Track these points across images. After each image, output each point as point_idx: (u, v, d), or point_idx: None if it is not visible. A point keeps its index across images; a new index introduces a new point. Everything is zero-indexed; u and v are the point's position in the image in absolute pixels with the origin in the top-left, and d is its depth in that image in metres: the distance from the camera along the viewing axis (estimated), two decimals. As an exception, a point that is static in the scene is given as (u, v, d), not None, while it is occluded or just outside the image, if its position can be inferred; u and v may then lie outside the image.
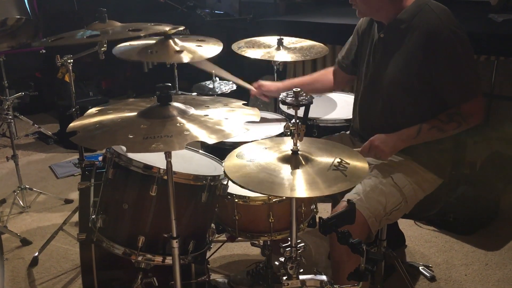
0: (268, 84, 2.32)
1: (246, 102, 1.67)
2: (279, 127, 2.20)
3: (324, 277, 1.53)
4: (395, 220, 1.97)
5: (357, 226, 1.57)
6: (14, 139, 3.10)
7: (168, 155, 1.39)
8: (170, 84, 1.47)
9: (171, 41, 2.21)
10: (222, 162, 1.68)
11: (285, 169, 1.38)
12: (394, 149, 1.83)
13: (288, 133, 1.44)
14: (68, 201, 3.19)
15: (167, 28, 2.13)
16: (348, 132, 2.18)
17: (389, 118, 1.91)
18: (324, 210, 2.56)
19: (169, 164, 1.40)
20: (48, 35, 2.25)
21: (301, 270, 1.51)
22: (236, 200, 1.73)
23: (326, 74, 2.31)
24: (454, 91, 1.79)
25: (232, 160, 1.45)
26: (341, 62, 2.20)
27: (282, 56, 2.38)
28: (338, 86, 2.30)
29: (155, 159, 1.56)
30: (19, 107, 4.35)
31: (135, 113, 1.48)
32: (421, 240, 2.71)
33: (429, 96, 1.83)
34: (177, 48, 2.22)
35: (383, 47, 1.91)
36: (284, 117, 2.34)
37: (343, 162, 1.41)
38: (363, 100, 2.02)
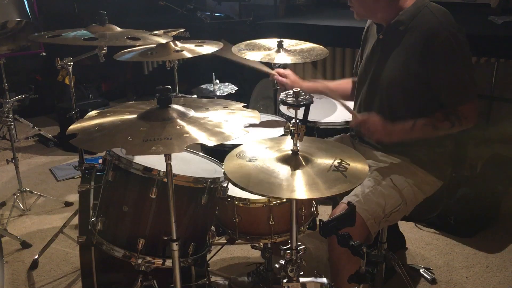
0: (294, 79, 2.24)
1: (246, 105, 1.67)
2: (280, 130, 2.20)
3: (324, 280, 1.53)
4: (394, 222, 1.96)
5: (356, 228, 1.56)
6: (14, 142, 3.10)
7: (168, 158, 1.38)
8: (170, 87, 1.47)
9: (171, 43, 2.22)
10: (222, 165, 1.68)
11: (285, 170, 1.37)
12: (386, 130, 1.80)
13: (288, 133, 1.43)
14: (68, 204, 3.19)
15: (164, 41, 2.12)
16: (348, 134, 2.18)
17: (387, 119, 1.90)
18: (325, 213, 2.55)
19: (169, 166, 1.40)
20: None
21: (302, 272, 1.51)
22: (236, 203, 1.73)
23: (348, 82, 2.28)
24: (449, 94, 1.79)
25: (232, 160, 1.45)
26: (356, 72, 2.20)
27: (282, 58, 2.37)
28: None
29: (155, 161, 1.56)
30: (19, 110, 4.35)
31: (135, 116, 1.48)
32: (421, 243, 2.70)
33: (427, 97, 1.83)
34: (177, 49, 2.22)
35: (382, 48, 1.91)
36: (284, 120, 2.33)
37: (343, 162, 1.41)
38: (362, 101, 2.02)
